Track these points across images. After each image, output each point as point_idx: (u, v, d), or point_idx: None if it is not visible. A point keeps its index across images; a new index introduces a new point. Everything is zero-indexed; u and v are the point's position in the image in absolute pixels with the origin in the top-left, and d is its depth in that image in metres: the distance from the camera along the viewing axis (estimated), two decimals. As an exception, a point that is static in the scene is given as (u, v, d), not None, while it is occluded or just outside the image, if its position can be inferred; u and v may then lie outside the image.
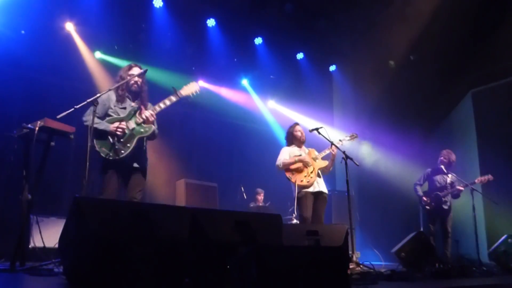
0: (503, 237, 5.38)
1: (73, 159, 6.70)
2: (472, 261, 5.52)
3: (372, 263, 4.22)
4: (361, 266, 4.07)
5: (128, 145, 3.56)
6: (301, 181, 4.74)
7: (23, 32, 6.57)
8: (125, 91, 3.77)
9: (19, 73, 6.48)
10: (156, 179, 7.04)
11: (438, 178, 6.05)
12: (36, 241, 4.07)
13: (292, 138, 5.06)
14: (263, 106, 9.58)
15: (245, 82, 9.28)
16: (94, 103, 3.42)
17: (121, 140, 3.57)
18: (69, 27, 6.98)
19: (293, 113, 9.41)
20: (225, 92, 8.96)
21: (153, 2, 7.16)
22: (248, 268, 1.96)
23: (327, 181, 5.16)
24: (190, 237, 2.48)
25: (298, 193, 4.70)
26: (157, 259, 2.32)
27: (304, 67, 9.18)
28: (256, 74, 9.16)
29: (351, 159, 4.64)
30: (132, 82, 3.74)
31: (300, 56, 9.01)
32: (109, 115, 3.68)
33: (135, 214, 2.38)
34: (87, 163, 3.26)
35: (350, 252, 4.21)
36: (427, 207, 5.98)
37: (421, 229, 6.25)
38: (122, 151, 3.54)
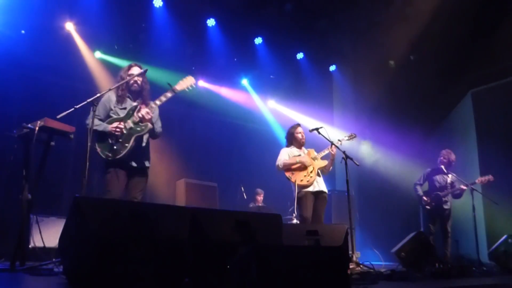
0: (503, 237, 5.39)
1: (73, 159, 6.70)
2: (472, 261, 5.52)
3: (372, 263, 4.23)
4: (361, 266, 4.07)
5: (126, 144, 3.56)
6: (301, 180, 4.74)
7: (23, 32, 6.57)
8: (125, 92, 3.78)
9: (19, 73, 6.48)
10: (156, 179, 7.03)
11: (438, 178, 6.05)
12: (36, 241, 4.07)
13: (292, 139, 5.06)
14: (263, 106, 9.58)
15: (245, 82, 9.28)
16: (94, 103, 3.43)
17: (120, 140, 3.57)
18: (69, 26, 6.97)
19: (293, 113, 9.42)
20: (225, 92, 8.96)
21: (153, 2, 7.16)
22: (248, 268, 1.96)
23: (327, 181, 5.16)
24: (190, 237, 2.48)
25: (298, 193, 4.71)
26: (157, 259, 2.32)
27: (304, 67, 9.17)
28: (256, 74, 9.16)
29: (351, 159, 4.64)
30: (132, 81, 3.74)
31: (300, 56, 9.00)
32: (110, 116, 3.69)
33: (135, 214, 2.38)
34: (87, 163, 3.26)
35: (350, 252, 4.21)
36: (427, 207, 5.98)
37: (421, 229, 6.25)
38: (121, 151, 3.54)
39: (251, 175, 8.53)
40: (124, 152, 3.54)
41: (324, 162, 4.94)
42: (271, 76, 9.18)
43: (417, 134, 7.80)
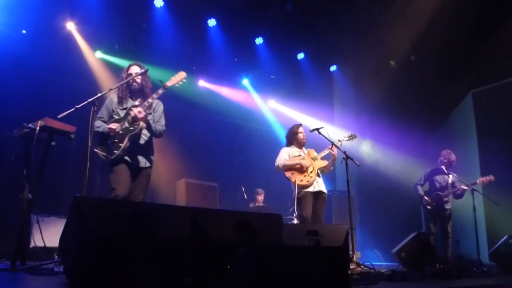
0: (504, 238, 5.38)
1: (73, 159, 6.71)
2: (473, 262, 5.51)
3: (373, 263, 4.22)
4: (361, 266, 4.07)
5: (120, 144, 3.57)
6: (301, 180, 4.73)
7: (24, 31, 6.57)
8: (126, 92, 3.79)
9: (20, 73, 6.48)
10: (156, 179, 7.04)
11: (439, 178, 6.04)
12: (37, 241, 4.07)
13: (293, 139, 5.05)
14: (264, 105, 9.58)
15: (245, 81, 9.28)
16: (95, 102, 3.43)
17: (115, 140, 3.60)
18: (70, 26, 6.98)
19: (293, 113, 9.42)
20: (225, 92, 8.97)
21: (154, 2, 7.16)
22: (248, 268, 1.96)
23: (327, 181, 5.16)
24: (191, 237, 2.48)
25: (298, 193, 4.70)
26: (157, 258, 2.32)
27: (304, 67, 9.17)
28: (256, 74, 9.17)
29: (351, 159, 4.64)
30: (131, 81, 3.75)
31: (300, 56, 9.00)
32: (113, 117, 3.72)
33: (136, 214, 2.38)
34: (88, 163, 3.27)
35: (351, 252, 4.20)
36: (428, 207, 5.97)
37: (422, 229, 6.24)
38: (115, 151, 3.57)
39: (251, 175, 8.53)
40: (118, 152, 3.55)
41: (324, 163, 4.93)
42: (272, 76, 9.18)
43: (418, 134, 7.80)
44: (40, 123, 3.40)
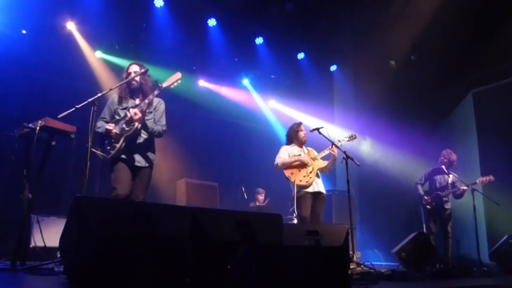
0: (504, 238, 5.38)
1: (74, 158, 6.71)
2: (473, 261, 5.51)
3: (373, 263, 4.22)
4: (361, 266, 4.07)
5: (116, 144, 3.58)
6: (300, 181, 4.73)
7: (24, 32, 6.57)
8: (126, 91, 3.79)
9: (20, 72, 6.48)
10: (156, 179, 7.04)
11: (439, 178, 6.05)
12: (37, 241, 4.07)
13: (294, 137, 5.04)
14: (264, 105, 9.58)
15: (245, 81, 9.28)
16: (95, 102, 3.44)
17: (112, 140, 3.62)
18: (70, 26, 6.98)
19: (294, 112, 9.42)
20: (225, 92, 8.97)
21: (154, 2, 7.16)
22: (248, 268, 1.96)
23: (327, 181, 5.17)
24: (191, 237, 2.48)
25: (297, 192, 4.70)
26: (158, 258, 2.32)
27: (305, 67, 9.17)
28: (257, 74, 9.17)
29: (351, 159, 4.63)
30: (131, 80, 3.75)
31: (301, 56, 9.00)
32: (115, 118, 3.74)
33: (136, 213, 2.38)
34: (88, 163, 3.27)
35: (351, 252, 4.20)
36: (428, 207, 5.98)
37: (422, 229, 6.24)
38: (111, 151, 3.59)
39: (251, 175, 8.53)
40: (113, 152, 3.57)
41: (324, 163, 4.92)
42: (272, 76, 9.18)
43: (418, 134, 7.80)
44: (40, 123, 3.40)
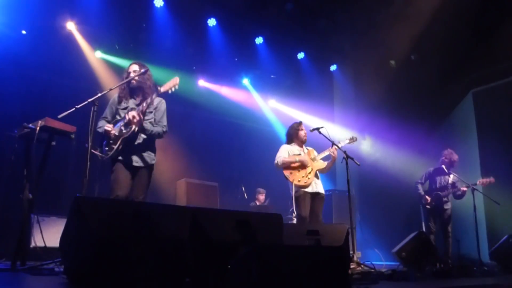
0: (505, 237, 5.38)
1: (74, 159, 6.71)
2: (473, 261, 5.51)
3: (373, 262, 4.22)
4: (362, 265, 4.07)
5: (113, 146, 3.59)
6: (299, 181, 4.73)
7: (24, 32, 6.57)
8: (126, 91, 3.79)
9: (20, 72, 6.48)
10: (156, 179, 7.03)
11: (439, 177, 6.05)
12: (37, 241, 4.07)
13: (294, 136, 5.03)
14: (264, 105, 9.58)
15: (245, 81, 9.28)
16: (95, 102, 3.44)
17: (110, 141, 3.63)
18: (70, 26, 6.98)
19: (294, 112, 9.42)
20: (225, 92, 8.97)
21: (154, 2, 7.16)
22: (248, 268, 1.96)
23: (327, 181, 5.17)
24: (191, 237, 2.48)
25: (295, 192, 4.69)
26: (158, 258, 2.32)
27: (305, 67, 9.17)
28: (257, 74, 9.17)
29: (352, 158, 4.63)
30: (129, 80, 3.76)
31: (301, 55, 9.00)
32: (115, 118, 3.75)
33: (136, 213, 2.38)
34: (88, 163, 3.27)
35: (351, 252, 4.20)
36: (428, 206, 5.98)
37: (422, 228, 6.25)
38: (108, 152, 3.60)
39: (251, 175, 8.53)
40: (110, 153, 3.58)
41: (324, 164, 4.92)
42: (272, 76, 9.18)
43: (418, 133, 7.80)
44: (40, 123, 3.40)
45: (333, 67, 9.60)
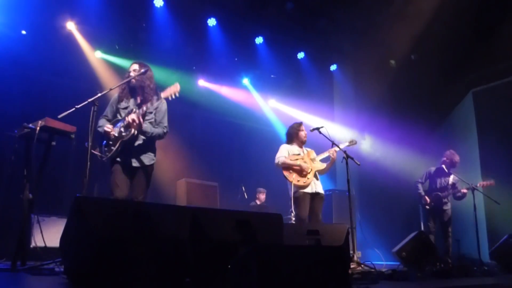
0: (505, 237, 5.38)
1: (74, 159, 6.71)
2: (473, 261, 5.51)
3: (373, 262, 4.22)
4: (362, 265, 4.07)
5: (112, 148, 3.60)
6: (298, 181, 4.73)
7: (24, 32, 6.57)
8: (126, 91, 3.79)
9: (20, 72, 6.48)
10: (157, 179, 7.03)
11: (440, 178, 6.04)
12: (37, 241, 4.07)
13: (294, 137, 5.03)
14: (264, 105, 9.58)
15: (246, 81, 9.28)
16: (95, 102, 3.44)
17: (110, 142, 3.63)
18: (70, 26, 6.98)
19: (294, 112, 9.42)
20: (225, 91, 8.96)
21: (154, 2, 7.16)
22: (248, 268, 1.96)
23: (328, 180, 5.17)
24: (191, 236, 2.48)
25: (295, 192, 4.69)
26: (158, 258, 2.32)
27: (305, 67, 9.17)
28: (257, 74, 9.16)
29: (352, 158, 4.63)
30: (129, 79, 3.76)
31: (301, 55, 9.00)
32: (116, 117, 3.75)
33: (136, 213, 2.38)
34: (88, 163, 3.27)
35: (351, 252, 4.20)
36: (427, 207, 5.98)
37: (420, 228, 6.25)
38: (107, 153, 3.61)
39: (251, 175, 8.53)
40: (110, 155, 3.59)
41: (323, 165, 4.92)
42: (272, 76, 9.17)
43: (418, 133, 7.80)
44: (40, 123, 3.40)
45: (333, 67, 9.60)
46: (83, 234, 2.27)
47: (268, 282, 1.92)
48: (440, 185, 5.99)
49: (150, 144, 3.78)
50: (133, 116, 3.56)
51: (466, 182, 5.80)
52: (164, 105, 3.83)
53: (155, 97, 3.73)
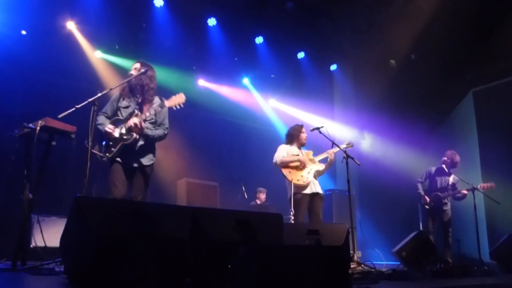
0: (505, 237, 5.37)
1: (74, 158, 6.71)
2: (474, 261, 5.51)
3: (373, 262, 4.22)
4: (362, 265, 4.07)
5: (113, 149, 3.60)
6: (298, 180, 4.73)
7: (24, 32, 6.57)
8: (127, 89, 3.79)
9: (20, 72, 6.48)
10: (157, 179, 7.04)
11: (440, 178, 6.03)
12: (37, 241, 4.08)
13: (295, 138, 5.04)
14: (264, 104, 9.58)
15: (246, 81, 9.27)
16: (95, 102, 3.44)
17: (110, 143, 3.63)
18: (71, 26, 6.98)
19: (294, 111, 9.41)
20: (226, 91, 8.96)
21: (154, 2, 7.16)
22: (248, 268, 1.96)
23: (328, 180, 5.17)
24: (191, 236, 2.48)
25: (294, 194, 4.69)
26: (158, 258, 2.32)
27: (305, 66, 9.17)
28: (257, 73, 9.16)
29: (352, 158, 4.63)
30: (129, 79, 3.76)
31: (301, 55, 8.99)
32: (117, 115, 3.74)
33: (136, 213, 2.38)
34: (88, 163, 3.27)
35: (351, 252, 4.20)
36: (426, 206, 5.97)
37: (419, 228, 6.26)
38: (107, 154, 3.60)
39: (252, 174, 8.53)
40: (109, 156, 3.59)
41: (321, 166, 4.92)
42: (272, 75, 9.17)
43: (418, 133, 7.80)
44: (40, 123, 3.40)
45: (333, 67, 9.59)
46: (83, 234, 2.27)
47: (268, 282, 1.92)
48: (440, 185, 5.99)
49: (150, 145, 3.80)
50: (135, 120, 3.57)
51: (466, 182, 5.80)
52: (165, 108, 3.84)
53: (156, 98, 3.73)
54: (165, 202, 5.49)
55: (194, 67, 8.37)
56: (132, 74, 3.77)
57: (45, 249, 3.95)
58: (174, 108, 3.73)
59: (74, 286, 2.32)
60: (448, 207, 5.90)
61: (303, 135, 5.03)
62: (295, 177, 4.73)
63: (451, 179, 5.95)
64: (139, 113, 3.66)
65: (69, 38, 7.02)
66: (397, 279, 3.55)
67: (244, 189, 7.80)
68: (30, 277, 2.83)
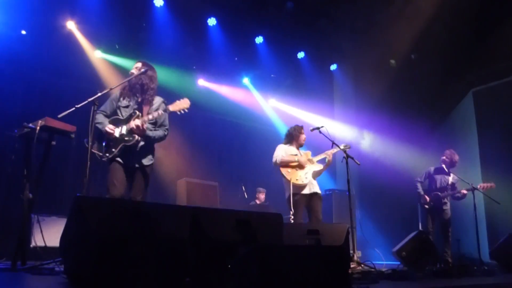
0: (505, 236, 5.37)
1: (73, 158, 6.71)
2: (473, 260, 5.50)
3: (373, 262, 4.22)
4: (362, 265, 4.07)
5: (113, 149, 3.60)
6: (296, 180, 4.74)
7: (24, 32, 6.57)
8: (127, 89, 3.79)
9: (20, 72, 6.48)
10: (157, 178, 7.04)
11: (439, 177, 6.03)
12: (37, 240, 4.08)
13: (295, 138, 5.05)
14: (264, 104, 9.58)
15: (246, 80, 9.27)
16: (95, 102, 3.43)
17: (110, 143, 3.62)
18: (71, 25, 6.97)
19: (294, 111, 9.41)
20: (226, 91, 8.96)
21: (154, 1, 7.15)
22: (248, 268, 1.96)
23: (328, 181, 5.17)
24: (191, 236, 2.48)
25: (293, 195, 4.70)
26: (158, 258, 2.32)
27: (305, 66, 9.16)
28: (257, 73, 9.16)
29: (352, 158, 4.63)
30: (129, 78, 3.76)
31: (301, 55, 8.99)
32: (116, 114, 3.74)
33: (136, 213, 2.38)
34: (88, 163, 3.27)
35: (351, 251, 4.20)
36: (426, 206, 5.97)
37: (418, 227, 6.26)
38: (107, 154, 3.60)
39: (252, 174, 8.53)
40: (109, 156, 3.59)
41: (319, 166, 4.94)
42: (272, 75, 9.17)
43: (418, 132, 7.80)
44: (40, 122, 3.40)
45: (333, 67, 9.59)
46: (83, 234, 2.27)
47: (268, 282, 1.92)
48: (440, 184, 5.99)
49: (150, 146, 3.80)
50: (137, 122, 3.58)
51: (466, 182, 5.80)
52: (169, 111, 3.85)
53: (156, 98, 3.74)
54: (165, 202, 5.49)
55: (194, 67, 8.37)
56: (133, 73, 3.77)
57: (45, 249, 3.95)
58: (178, 113, 3.71)
59: (74, 286, 2.32)
60: (447, 207, 5.90)
61: (303, 136, 5.05)
62: (293, 177, 4.74)
63: (450, 178, 5.95)
64: (140, 115, 3.66)
65: (69, 38, 7.02)
66: (397, 279, 3.55)
67: (244, 189, 7.80)
68: (30, 277, 2.83)
